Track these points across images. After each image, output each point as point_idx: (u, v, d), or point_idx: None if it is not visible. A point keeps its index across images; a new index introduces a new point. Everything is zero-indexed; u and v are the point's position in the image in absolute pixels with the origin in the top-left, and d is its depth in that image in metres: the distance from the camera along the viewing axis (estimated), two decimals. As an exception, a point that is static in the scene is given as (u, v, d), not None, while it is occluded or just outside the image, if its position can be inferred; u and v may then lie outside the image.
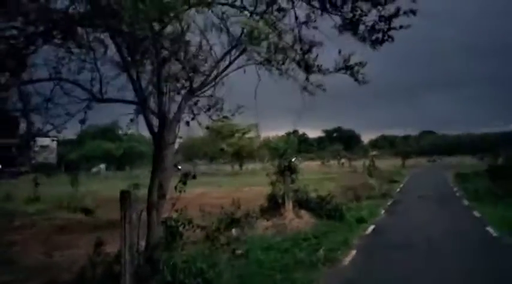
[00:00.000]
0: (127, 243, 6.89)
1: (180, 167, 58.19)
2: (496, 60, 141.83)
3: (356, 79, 8.91)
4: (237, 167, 56.98)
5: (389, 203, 19.19)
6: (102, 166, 61.31)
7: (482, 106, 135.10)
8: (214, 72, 9.35)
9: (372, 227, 13.32)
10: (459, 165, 54.17)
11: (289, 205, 14.37)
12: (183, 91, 9.18)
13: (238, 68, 9.73)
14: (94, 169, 59.05)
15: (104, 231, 9.54)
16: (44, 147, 67.68)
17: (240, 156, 53.51)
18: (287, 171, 15.39)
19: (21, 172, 55.27)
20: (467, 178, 29.43)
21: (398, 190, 25.66)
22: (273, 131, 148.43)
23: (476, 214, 15.41)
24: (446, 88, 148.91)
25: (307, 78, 9.51)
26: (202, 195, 27.56)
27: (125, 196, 7.13)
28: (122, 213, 7.11)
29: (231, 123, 49.60)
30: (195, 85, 8.93)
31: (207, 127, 10.55)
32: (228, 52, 9.01)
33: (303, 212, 14.65)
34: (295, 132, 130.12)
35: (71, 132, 76.66)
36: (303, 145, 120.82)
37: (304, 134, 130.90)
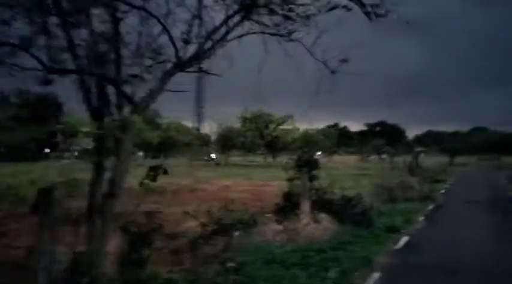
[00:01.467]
0: (43, 260, 4.95)
1: (214, 156, 57.33)
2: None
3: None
4: (270, 159, 54.81)
5: (430, 208, 16.24)
6: (140, 153, 61.22)
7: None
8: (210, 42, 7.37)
9: (404, 239, 10.67)
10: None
11: (305, 206, 11.99)
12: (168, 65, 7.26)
13: (241, 36, 7.66)
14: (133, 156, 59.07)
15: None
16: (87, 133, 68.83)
17: (274, 147, 51.22)
18: (305, 166, 13.02)
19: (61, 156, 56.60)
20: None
21: (443, 191, 22.35)
22: (314, 123, 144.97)
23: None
24: (500, 84, 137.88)
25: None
26: (226, 188, 25.77)
27: (45, 196, 5.19)
28: (39, 219, 5.19)
29: (266, 112, 47.52)
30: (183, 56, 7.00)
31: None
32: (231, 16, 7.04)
33: (322, 215, 12.21)
34: (335, 124, 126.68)
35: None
36: (344, 138, 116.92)
37: (345, 127, 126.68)
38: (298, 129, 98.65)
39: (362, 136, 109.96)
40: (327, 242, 10.14)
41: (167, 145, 65.79)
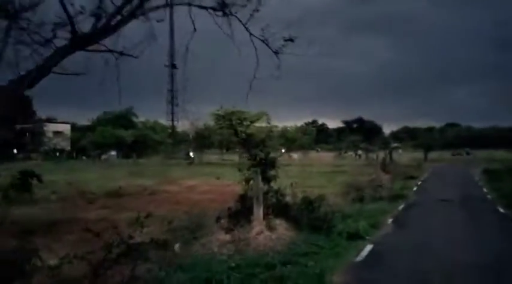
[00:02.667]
0: None
1: (192, 155, 54.87)
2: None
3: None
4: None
5: (400, 207, 14.82)
6: (113, 153, 58.79)
7: (509, 98, 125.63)
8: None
9: (368, 248, 9.14)
10: (487, 159, 48.42)
11: (258, 212, 10.35)
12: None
13: (157, 7, 6.07)
14: (103, 156, 56.60)
15: None
16: (58, 133, 66.09)
17: (249, 145, 49.44)
18: (259, 166, 11.39)
19: (28, 157, 53.52)
20: (499, 175, 24.41)
21: (415, 189, 21.02)
22: (291, 121, 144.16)
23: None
24: (473, 81, 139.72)
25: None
26: (191, 189, 23.96)
27: None
28: None
29: (240, 110, 45.78)
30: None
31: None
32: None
33: (278, 222, 10.56)
34: (314, 122, 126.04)
35: (86, 118, 74.80)
36: (322, 135, 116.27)
37: (323, 124, 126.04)
38: (276, 127, 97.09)
39: (340, 133, 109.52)
40: (280, 254, 8.55)
41: (141, 144, 63.50)
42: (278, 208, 11.13)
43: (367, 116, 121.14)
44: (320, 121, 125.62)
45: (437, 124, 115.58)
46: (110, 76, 6.32)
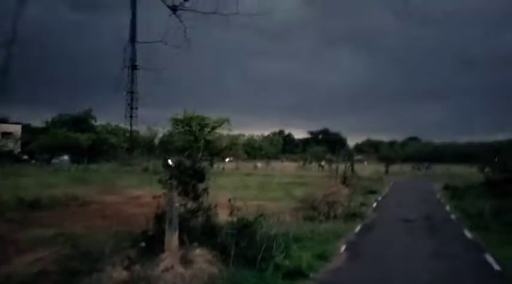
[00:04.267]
0: None
1: (171, 162, 51.03)
2: (484, 70, 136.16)
3: None
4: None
5: (357, 229, 12.62)
6: (65, 157, 54.26)
7: (467, 116, 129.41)
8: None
9: (309, 294, 6.77)
10: (446, 174, 47.93)
11: (171, 238, 7.80)
12: None
13: None
14: (54, 160, 52.04)
15: None
16: (7, 134, 60.74)
17: (211, 152, 46.72)
18: (181, 177, 8.92)
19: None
20: (461, 193, 22.98)
21: (374, 205, 18.99)
22: (259, 130, 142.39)
23: (490, 259, 8.98)
24: (433, 97, 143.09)
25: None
26: (132, 199, 21.01)
27: None
28: None
29: (200, 115, 43.18)
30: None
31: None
32: None
33: (198, 252, 8.02)
34: (281, 132, 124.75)
35: (40, 119, 69.64)
36: (288, 145, 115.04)
37: (290, 134, 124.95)
38: (243, 135, 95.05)
39: (305, 144, 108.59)
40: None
41: (98, 148, 59.23)
42: (202, 233, 8.63)
43: (333, 128, 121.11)
44: (287, 132, 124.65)
45: (400, 138, 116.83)
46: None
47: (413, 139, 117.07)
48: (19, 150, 58.97)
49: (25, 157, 53.29)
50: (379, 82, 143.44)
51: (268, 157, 75.87)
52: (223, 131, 43.28)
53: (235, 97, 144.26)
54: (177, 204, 8.05)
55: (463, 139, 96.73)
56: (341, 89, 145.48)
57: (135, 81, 51.21)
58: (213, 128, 41.90)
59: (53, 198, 18.49)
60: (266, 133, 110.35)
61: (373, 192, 24.36)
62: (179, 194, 9.22)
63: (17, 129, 60.86)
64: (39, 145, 54.49)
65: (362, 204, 17.86)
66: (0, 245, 10.21)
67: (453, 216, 15.71)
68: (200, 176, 9.50)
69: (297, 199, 18.23)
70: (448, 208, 18.22)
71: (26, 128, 66.03)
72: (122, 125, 64.34)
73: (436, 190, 27.81)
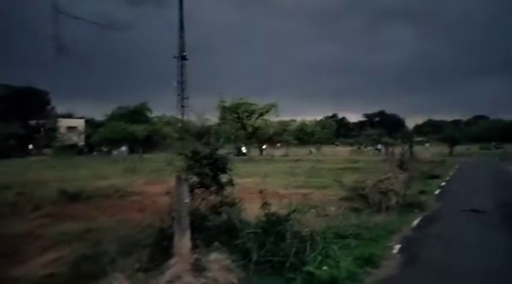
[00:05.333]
0: None
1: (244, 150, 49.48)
2: None
3: None
4: (256, 153, 49.00)
5: (415, 223, 10.53)
6: (124, 148, 56.11)
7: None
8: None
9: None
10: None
11: (181, 241, 6.53)
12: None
13: None
14: (114, 152, 54.02)
15: None
16: (72, 128, 64.17)
17: (259, 139, 45.54)
18: (197, 167, 7.60)
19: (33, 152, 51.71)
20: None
21: (437, 192, 16.45)
22: (311, 115, 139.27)
23: None
24: (501, 71, 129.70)
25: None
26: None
27: None
28: None
29: (247, 102, 41.86)
30: None
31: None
32: None
33: (214, 257, 6.69)
34: (334, 116, 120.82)
35: (101, 113, 72.84)
36: (343, 130, 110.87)
37: (343, 118, 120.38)
38: (295, 120, 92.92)
39: (361, 127, 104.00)
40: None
41: (154, 138, 60.63)
42: (222, 233, 7.27)
43: (390, 110, 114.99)
44: (341, 115, 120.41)
45: (465, 117, 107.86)
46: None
47: (480, 117, 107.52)
48: (83, 142, 62.25)
49: (86, 149, 56.08)
50: (437, 59, 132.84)
51: (321, 142, 73.22)
52: (271, 117, 41.76)
53: (287, 83, 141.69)
54: (187, 200, 6.72)
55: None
56: (396, 69, 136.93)
57: (184, 71, 51.24)
58: (261, 114, 40.46)
59: (96, 190, 18.31)
60: (319, 118, 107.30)
61: (435, 177, 21.56)
62: (195, 187, 7.96)
63: (80, 123, 64.23)
64: (100, 138, 56.92)
65: (421, 192, 15.48)
66: (23, 243, 9.71)
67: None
68: (221, 166, 8.11)
69: (346, 187, 16.31)
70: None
71: (89, 122, 69.56)
72: (178, 116, 65.41)
73: (510, 172, 24.19)
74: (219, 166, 8.16)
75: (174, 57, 49.18)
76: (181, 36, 48.76)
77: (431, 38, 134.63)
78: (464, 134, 67.34)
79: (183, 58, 49.63)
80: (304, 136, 75.97)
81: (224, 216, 7.57)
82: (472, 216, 11.23)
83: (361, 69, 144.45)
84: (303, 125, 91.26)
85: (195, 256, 6.48)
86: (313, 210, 12.85)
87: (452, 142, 51.77)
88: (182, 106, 49.91)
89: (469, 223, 10.38)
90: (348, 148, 63.92)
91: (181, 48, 49.21)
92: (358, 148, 62.35)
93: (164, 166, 36.26)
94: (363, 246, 8.17)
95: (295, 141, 62.62)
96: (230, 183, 8.47)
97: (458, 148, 51.62)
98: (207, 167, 7.85)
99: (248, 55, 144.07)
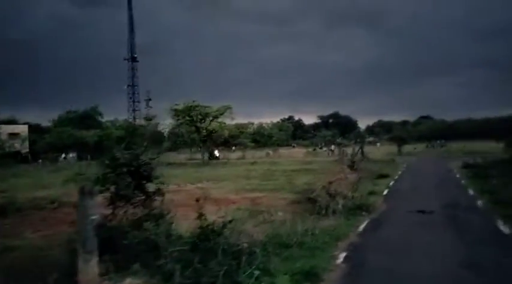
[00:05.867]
0: None
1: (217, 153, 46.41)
2: (495, 44, 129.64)
3: None
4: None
5: (361, 227, 9.97)
6: (72, 155, 52.71)
7: (479, 91, 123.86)
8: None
9: None
10: (463, 151, 44.59)
11: (87, 266, 5.41)
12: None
13: None
14: (61, 159, 50.56)
15: None
16: (14, 135, 59.59)
17: (215, 142, 44.39)
18: (114, 176, 6.53)
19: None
20: (484, 171, 20.05)
21: (385, 192, 16.21)
22: (268, 118, 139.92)
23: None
24: (444, 74, 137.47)
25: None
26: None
27: None
28: None
29: (201, 104, 40.65)
30: None
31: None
32: None
33: (129, 282, 5.63)
34: (290, 118, 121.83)
35: (46, 118, 68.28)
36: (299, 131, 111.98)
37: (299, 120, 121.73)
38: (252, 123, 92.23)
39: (316, 129, 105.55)
40: None
41: (104, 144, 57.47)
42: (142, 254, 6.21)
43: (344, 111, 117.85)
44: (296, 118, 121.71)
45: (412, 118, 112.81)
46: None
47: (425, 117, 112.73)
48: (27, 150, 57.81)
49: (30, 157, 52.15)
50: (387, 62, 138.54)
51: (278, 144, 73.24)
52: (226, 120, 40.75)
53: (245, 86, 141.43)
54: (94, 216, 5.61)
55: (477, 115, 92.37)
56: (349, 71, 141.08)
57: (135, 73, 48.95)
58: (215, 117, 39.33)
59: (29, 201, 16.46)
60: (276, 120, 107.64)
61: (384, 176, 21.59)
62: (116, 200, 6.83)
63: (24, 130, 59.69)
64: (46, 145, 53.12)
65: (370, 193, 15.16)
66: None
67: (480, 202, 12.90)
68: (146, 174, 7.05)
69: (296, 190, 15.69)
70: (471, 191, 15.33)
71: (34, 128, 64.87)
72: (131, 120, 62.55)
73: (455, 169, 24.84)
74: (143, 173, 7.10)
75: (124, 59, 46.87)
76: (131, 37, 46.61)
77: (383, 41, 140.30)
78: (411, 134, 70.03)
79: (134, 60, 47.43)
80: (261, 138, 75.70)
81: (147, 232, 6.51)
82: (418, 218, 10.89)
83: (316, 71, 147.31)
84: (260, 128, 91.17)
85: (105, 283, 5.40)
86: (260, 216, 12.12)
87: (401, 141, 53.46)
88: (133, 110, 47.69)
89: (415, 225, 9.99)
90: (304, 150, 64.27)
91: (132, 50, 47.05)
92: (314, 149, 62.81)
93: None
94: (306, 256, 7.43)
95: (253, 144, 61.96)
96: (159, 192, 7.45)
97: (407, 147, 53.36)
98: (126, 175, 6.77)
99: (204, 57, 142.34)
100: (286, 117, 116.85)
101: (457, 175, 21.55)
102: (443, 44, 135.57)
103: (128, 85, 47.40)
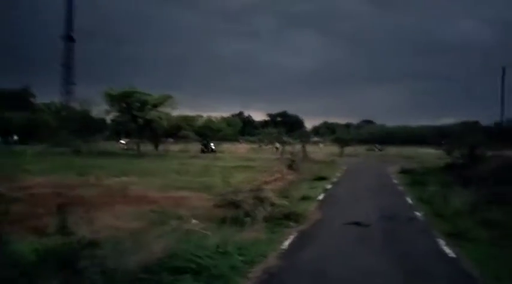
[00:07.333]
0: None
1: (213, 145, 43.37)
2: (433, 59, 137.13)
3: None
4: (151, 147, 44.25)
5: (285, 245, 7.98)
6: (-6, 138, 46.44)
7: (417, 100, 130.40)
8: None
9: None
10: (399, 155, 45.25)
11: None
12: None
13: None
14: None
15: None
16: None
17: (155, 133, 40.98)
18: None
19: None
20: (421, 178, 19.22)
21: (320, 198, 14.45)
22: (219, 112, 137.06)
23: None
24: (387, 82, 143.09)
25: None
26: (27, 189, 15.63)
27: None
28: None
29: (139, 91, 37.14)
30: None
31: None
32: None
33: None
34: (240, 113, 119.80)
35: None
36: (248, 128, 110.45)
37: (249, 117, 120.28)
38: (201, 116, 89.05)
39: (264, 126, 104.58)
40: None
41: (33, 128, 51.56)
42: None
43: (292, 111, 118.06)
44: (247, 114, 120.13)
45: (355, 121, 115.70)
46: None
47: (367, 122, 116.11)
48: None
49: None
50: (336, 66, 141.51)
51: (226, 139, 70.87)
52: (166, 109, 37.51)
53: (194, 79, 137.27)
54: None
55: (413, 122, 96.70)
56: (300, 72, 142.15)
57: (71, 54, 43.87)
58: (155, 106, 36.01)
59: None
60: (226, 115, 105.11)
61: (322, 178, 20.07)
62: None
63: None
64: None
65: (304, 197, 13.36)
66: None
67: (419, 214, 11.50)
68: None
69: (221, 193, 13.48)
70: (410, 200, 14.08)
71: None
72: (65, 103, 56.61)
73: (392, 174, 24.07)
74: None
75: (59, 37, 41.75)
76: (68, 12, 41.39)
77: (332, 46, 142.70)
78: (353, 136, 70.92)
79: (70, 39, 42.46)
80: (209, 132, 72.78)
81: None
82: (353, 232, 9.12)
83: (268, 70, 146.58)
84: (209, 121, 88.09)
85: None
86: (174, 222, 9.82)
87: (343, 143, 53.49)
88: (67, 93, 42.55)
89: (349, 244, 8.16)
90: (250, 146, 62.61)
91: (68, 27, 42.00)
92: (259, 146, 61.22)
93: (31, 160, 29.89)
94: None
95: (198, 137, 59.01)
96: None
97: (348, 149, 53.47)
98: None
99: (157, 47, 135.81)
100: (237, 112, 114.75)
101: (395, 181, 20.57)
102: (388, 54, 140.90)
103: (62, 66, 42.13)
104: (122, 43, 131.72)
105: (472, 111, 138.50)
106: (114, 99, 34.58)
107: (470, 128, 36.02)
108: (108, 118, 52.43)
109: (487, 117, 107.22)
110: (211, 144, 48.23)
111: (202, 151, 43.50)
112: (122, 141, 56.34)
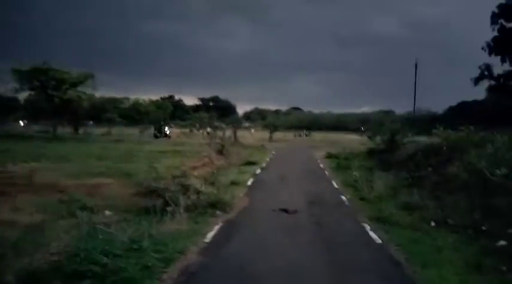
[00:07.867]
0: None
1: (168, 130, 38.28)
2: (355, 52, 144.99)
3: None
4: (68, 130, 40.21)
5: (209, 237, 7.19)
6: None
7: (340, 90, 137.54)
8: None
9: None
10: (324, 140, 46.94)
11: None
12: None
13: None
14: None
15: None
16: None
17: (75, 115, 37.18)
18: None
19: None
20: (345, 163, 19.67)
21: (249, 183, 13.85)
22: (147, 95, 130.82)
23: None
24: (313, 71, 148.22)
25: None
26: None
27: None
28: None
29: (55, 68, 33.13)
30: None
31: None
32: None
33: None
34: (171, 97, 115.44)
35: None
36: (179, 112, 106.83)
37: (180, 100, 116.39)
38: (128, 98, 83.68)
39: (196, 110, 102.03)
40: None
41: None
42: None
43: (224, 96, 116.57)
44: (177, 98, 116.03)
45: (284, 108, 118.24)
46: None
47: (296, 109, 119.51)
48: None
49: None
50: (266, 54, 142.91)
51: (155, 122, 67.50)
52: (88, 90, 34.02)
53: (119, 59, 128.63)
54: None
55: (337, 110, 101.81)
56: (232, 58, 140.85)
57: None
58: (73, 85, 32.39)
59: None
60: (155, 98, 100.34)
61: (252, 163, 19.58)
62: None
63: None
64: None
65: (232, 183, 12.67)
66: None
67: (344, 198, 11.47)
68: None
69: (140, 181, 12.22)
70: (335, 184, 14.12)
71: None
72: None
73: (319, 158, 24.48)
74: None
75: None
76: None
77: (264, 34, 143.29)
78: (283, 122, 72.32)
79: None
80: (136, 115, 68.67)
81: None
82: (281, 221, 8.62)
83: (200, 53, 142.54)
84: (137, 104, 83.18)
85: None
86: (84, 214, 8.45)
87: (273, 128, 54.04)
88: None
89: (276, 233, 7.62)
90: (180, 131, 60.42)
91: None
92: (190, 130, 59.37)
93: None
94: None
95: (124, 120, 55.14)
96: None
97: (278, 134, 54.19)
98: None
99: (76, 20, 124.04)
100: (167, 96, 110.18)
101: (321, 165, 20.86)
102: (315, 45, 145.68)
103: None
104: (31, 12, 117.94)
105: (387, 102, 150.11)
106: (24, 77, 30.34)
107: (388, 116, 38.29)
108: (22, 98, 46.61)
109: (400, 107, 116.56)
110: (166, 128, 45.23)
111: (155, 136, 40.44)
112: (21, 122, 50.90)
